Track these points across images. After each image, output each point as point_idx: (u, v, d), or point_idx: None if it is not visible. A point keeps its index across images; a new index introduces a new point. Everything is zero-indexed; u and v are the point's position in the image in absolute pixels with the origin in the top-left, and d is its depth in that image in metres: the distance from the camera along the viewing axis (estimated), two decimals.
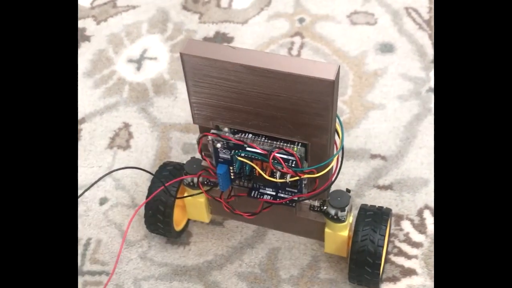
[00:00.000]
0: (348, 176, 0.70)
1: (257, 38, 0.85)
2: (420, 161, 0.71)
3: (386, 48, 0.83)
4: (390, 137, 0.74)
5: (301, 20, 0.87)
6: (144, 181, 0.70)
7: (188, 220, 0.66)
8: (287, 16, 0.88)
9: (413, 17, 0.87)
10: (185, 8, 0.90)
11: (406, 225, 0.65)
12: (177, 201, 0.61)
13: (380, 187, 0.69)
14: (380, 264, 0.56)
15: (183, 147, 0.74)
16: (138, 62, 0.83)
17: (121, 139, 0.75)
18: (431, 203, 0.67)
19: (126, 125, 0.76)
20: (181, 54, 0.48)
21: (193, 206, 0.62)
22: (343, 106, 0.77)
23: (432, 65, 0.81)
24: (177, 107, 0.77)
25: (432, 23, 0.86)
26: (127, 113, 0.77)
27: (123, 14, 0.89)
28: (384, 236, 0.56)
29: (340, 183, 0.69)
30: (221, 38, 0.86)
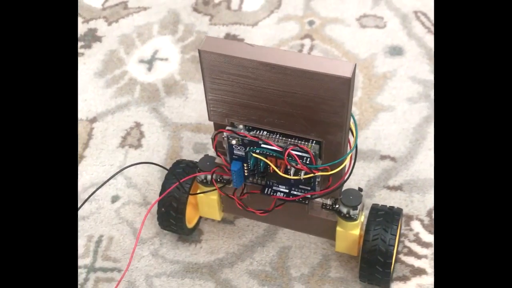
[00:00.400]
0: (358, 177, 0.70)
1: (267, 40, 0.86)
2: (430, 163, 0.71)
3: (395, 51, 0.84)
4: (400, 139, 0.74)
5: (311, 23, 0.88)
6: (155, 180, 0.71)
7: (200, 217, 0.66)
8: (297, 18, 0.89)
9: (422, 20, 0.87)
10: (195, 10, 0.91)
11: (416, 225, 0.66)
12: (189, 199, 0.62)
13: (390, 188, 0.69)
14: (391, 264, 0.57)
15: (194, 146, 0.74)
16: (149, 63, 0.84)
17: (132, 138, 0.75)
18: None
19: (138, 125, 0.77)
20: (200, 51, 0.48)
21: (205, 204, 0.62)
22: (353, 108, 0.77)
23: None
24: (188, 107, 0.78)
25: None
26: (138, 113, 0.78)
27: (134, 16, 0.90)
28: (395, 235, 0.57)
29: (350, 184, 0.69)
30: (232, 40, 0.86)
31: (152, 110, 0.78)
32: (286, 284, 0.62)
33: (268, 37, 0.86)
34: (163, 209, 0.61)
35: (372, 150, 0.73)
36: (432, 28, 0.86)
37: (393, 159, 0.72)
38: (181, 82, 0.81)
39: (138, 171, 0.72)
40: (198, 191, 0.61)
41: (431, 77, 0.81)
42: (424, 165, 0.71)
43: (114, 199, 0.70)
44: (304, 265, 0.63)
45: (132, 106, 0.79)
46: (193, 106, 0.78)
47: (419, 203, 0.68)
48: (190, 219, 0.64)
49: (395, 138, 0.74)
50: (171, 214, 0.61)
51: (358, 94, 0.79)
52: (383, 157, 0.72)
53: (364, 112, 0.77)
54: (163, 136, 0.75)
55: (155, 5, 0.92)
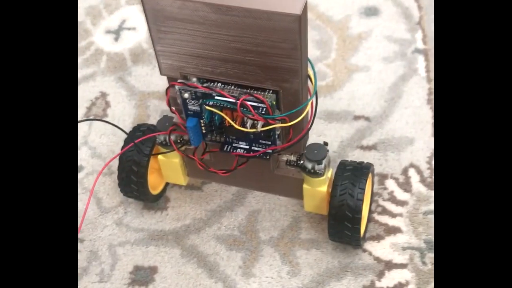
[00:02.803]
0: (330, 138, 0.68)
1: None
2: (405, 121, 0.69)
3: (371, 12, 0.81)
4: (375, 98, 0.71)
5: None
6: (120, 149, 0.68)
7: (166, 184, 0.64)
8: None
9: None
10: None
11: (390, 184, 0.63)
12: (153, 164, 0.59)
13: (364, 148, 0.67)
14: (360, 219, 0.54)
15: (161, 114, 0.71)
16: (116, 33, 0.81)
17: (97, 108, 0.73)
18: (416, 161, 0.65)
19: (103, 95, 0.74)
20: None
21: (168, 168, 0.60)
22: (327, 70, 0.75)
23: (418, 27, 0.79)
24: (156, 76, 0.75)
25: None
26: (104, 83, 0.75)
27: None
28: (364, 189, 0.54)
29: None
30: None
31: (119, 79, 0.75)
32: (254, 247, 0.59)
33: None
34: (123, 173, 0.59)
35: (346, 111, 0.70)
36: None
37: (367, 119, 0.69)
38: (148, 51, 0.78)
39: (103, 141, 0.69)
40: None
41: (407, 35, 0.78)
42: (399, 123, 0.68)
43: (78, 169, 0.67)
44: (273, 228, 0.61)
45: (98, 76, 0.76)
46: None
47: (394, 161, 0.65)
48: (155, 186, 0.61)
49: (370, 98, 0.71)
50: (132, 179, 0.58)
51: (332, 56, 0.76)
52: (357, 117, 0.70)
53: (338, 73, 0.74)
54: (130, 105, 0.73)
55: None
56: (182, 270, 0.58)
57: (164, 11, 0.46)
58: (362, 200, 0.53)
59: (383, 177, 0.64)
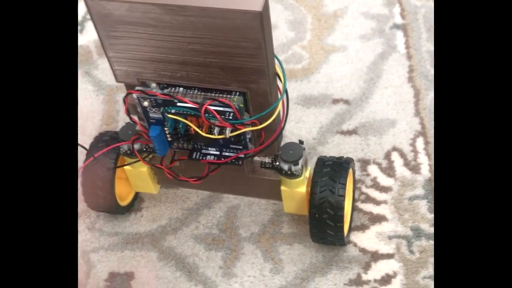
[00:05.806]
0: (309, 125, 0.65)
1: None
2: (386, 102, 0.66)
3: None
4: (353, 80, 0.68)
5: None
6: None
7: (137, 194, 0.60)
8: None
9: None
10: None
11: (373, 170, 0.61)
12: (121, 174, 0.56)
13: (344, 133, 0.64)
14: (342, 226, 0.51)
15: None
16: (81, 24, 0.77)
17: None
18: (399, 144, 0.62)
19: None
20: (85, 0, 0.42)
21: (136, 178, 0.56)
22: (302, 52, 0.72)
23: (396, 1, 0.76)
24: None
25: None
26: None
27: None
28: (345, 185, 0.51)
29: (301, 133, 0.64)
30: None
31: (85, 74, 0.72)
32: (235, 245, 0.57)
33: None
34: (89, 188, 0.55)
35: (324, 95, 0.67)
36: None
37: (346, 101, 0.66)
38: None
39: None
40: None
41: (384, 10, 0.75)
42: (380, 105, 0.66)
43: None
44: (254, 223, 0.58)
45: None
46: None
47: (376, 145, 0.62)
48: (124, 196, 0.58)
49: (348, 79, 0.68)
50: (98, 194, 0.55)
51: (307, 37, 0.73)
52: (335, 101, 0.67)
53: (315, 55, 0.71)
54: (97, 101, 0.69)
55: None
56: (160, 274, 0.56)
57: (113, 15, 0.42)
58: (342, 208, 0.50)
59: (365, 162, 0.61)
